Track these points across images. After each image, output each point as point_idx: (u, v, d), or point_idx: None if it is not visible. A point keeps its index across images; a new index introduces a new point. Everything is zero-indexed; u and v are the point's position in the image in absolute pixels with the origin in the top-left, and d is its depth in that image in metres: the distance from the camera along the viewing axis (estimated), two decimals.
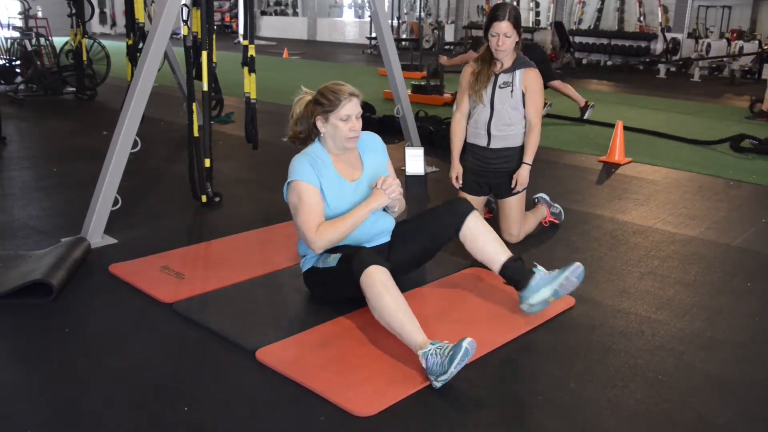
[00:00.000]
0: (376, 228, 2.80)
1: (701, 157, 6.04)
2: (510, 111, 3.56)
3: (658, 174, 5.42)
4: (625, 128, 6.19)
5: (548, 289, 2.67)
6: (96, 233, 3.49)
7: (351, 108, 2.67)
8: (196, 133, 4.10)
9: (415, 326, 2.35)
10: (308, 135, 2.82)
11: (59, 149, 5.83)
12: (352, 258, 2.52)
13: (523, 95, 3.55)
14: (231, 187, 4.58)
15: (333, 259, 2.67)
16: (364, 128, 2.80)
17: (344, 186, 2.74)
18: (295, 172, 2.70)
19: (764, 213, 4.43)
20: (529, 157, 3.61)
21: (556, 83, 7.76)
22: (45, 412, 2.08)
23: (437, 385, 2.20)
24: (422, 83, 8.79)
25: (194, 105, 4.11)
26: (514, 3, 18.97)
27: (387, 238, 2.89)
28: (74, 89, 8.50)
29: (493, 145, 3.62)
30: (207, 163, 4.15)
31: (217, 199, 4.22)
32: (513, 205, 3.64)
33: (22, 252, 3.25)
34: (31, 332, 2.56)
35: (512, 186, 3.61)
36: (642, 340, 2.64)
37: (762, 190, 5.03)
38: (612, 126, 6.17)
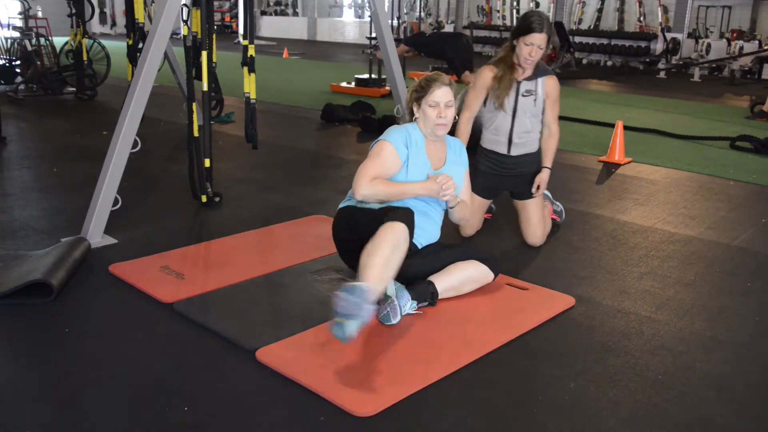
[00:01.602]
0: (422, 223, 2.87)
1: (701, 157, 6.04)
2: (531, 119, 3.54)
3: (658, 174, 5.42)
4: (625, 128, 6.19)
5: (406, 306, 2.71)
6: (96, 233, 3.49)
7: (440, 95, 2.81)
8: (196, 133, 4.10)
9: (375, 275, 2.40)
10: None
11: (59, 149, 5.84)
12: (396, 210, 2.64)
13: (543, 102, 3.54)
14: (231, 187, 4.58)
15: (376, 205, 2.82)
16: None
17: (427, 168, 2.90)
18: (390, 135, 2.88)
19: (764, 213, 4.43)
20: (549, 161, 3.64)
21: (466, 76, 8.26)
22: (45, 412, 2.08)
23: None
24: (364, 77, 9.61)
25: (194, 105, 4.11)
26: (514, 3, 19.00)
27: (420, 241, 2.94)
28: (74, 89, 8.50)
29: (513, 153, 3.59)
30: (207, 163, 4.15)
31: (217, 199, 4.22)
32: (534, 207, 3.62)
33: (22, 252, 3.25)
34: (31, 332, 2.56)
35: (533, 190, 3.61)
36: (642, 340, 2.64)
37: (762, 190, 5.03)
38: (612, 126, 6.17)
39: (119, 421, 2.04)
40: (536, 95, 3.51)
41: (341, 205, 2.99)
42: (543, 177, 3.62)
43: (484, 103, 3.60)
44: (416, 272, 2.85)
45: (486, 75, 3.56)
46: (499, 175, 3.66)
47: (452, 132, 3.41)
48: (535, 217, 3.64)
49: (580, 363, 2.45)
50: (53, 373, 2.29)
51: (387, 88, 9.24)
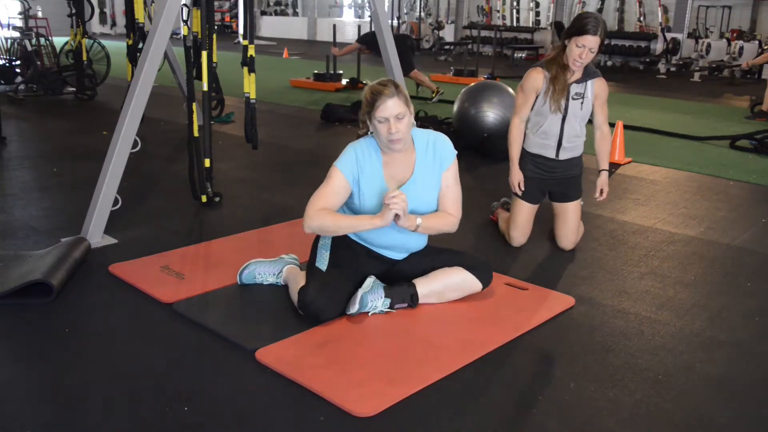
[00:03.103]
0: (396, 240, 2.77)
1: (701, 157, 6.05)
2: (580, 122, 3.48)
3: (658, 174, 5.42)
4: (625, 128, 6.19)
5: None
6: (96, 233, 3.49)
7: (386, 110, 2.56)
8: (196, 133, 4.10)
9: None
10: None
11: (59, 149, 5.84)
12: (308, 288, 2.65)
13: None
14: (231, 187, 4.58)
15: (324, 264, 2.76)
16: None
17: (385, 191, 2.67)
18: (340, 158, 2.71)
19: (764, 213, 4.44)
20: (606, 163, 3.61)
21: (415, 73, 8.86)
22: (45, 412, 2.08)
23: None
24: (322, 72, 10.41)
25: (194, 105, 4.11)
26: (514, 3, 19.00)
27: (401, 255, 2.85)
28: (74, 89, 8.50)
29: (561, 157, 3.52)
30: (207, 163, 4.15)
31: (217, 199, 4.22)
32: (573, 211, 3.58)
33: (22, 252, 3.25)
34: (31, 332, 2.56)
35: (597, 195, 3.59)
36: (642, 340, 2.64)
37: (762, 190, 5.03)
38: (612, 126, 6.17)
39: (119, 421, 2.04)
40: (585, 98, 3.44)
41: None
42: (604, 180, 3.59)
43: (531, 107, 3.49)
44: (403, 277, 2.83)
45: (535, 77, 3.43)
46: (544, 179, 3.57)
47: (445, 132, 3.16)
48: (574, 220, 3.59)
49: (580, 363, 2.45)
50: (53, 373, 2.29)
51: (342, 82, 10.12)
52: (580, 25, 3.25)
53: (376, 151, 2.71)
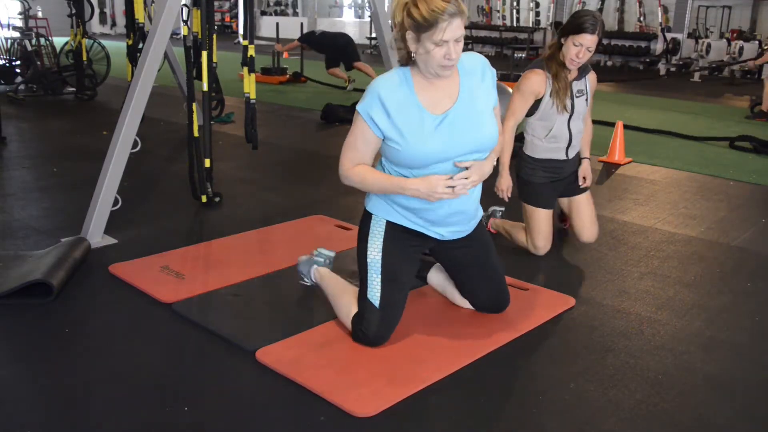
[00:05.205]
0: (461, 205, 2.45)
1: (701, 157, 6.05)
2: (583, 118, 3.46)
3: (658, 174, 5.42)
4: (625, 128, 6.19)
5: None
6: (96, 233, 3.49)
7: (450, 32, 2.15)
8: (196, 133, 4.10)
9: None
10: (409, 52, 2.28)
11: (59, 149, 5.83)
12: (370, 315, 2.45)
13: None
14: (231, 187, 4.58)
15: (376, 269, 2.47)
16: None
17: (425, 119, 2.30)
18: (364, 98, 2.32)
19: (764, 213, 4.44)
20: (588, 151, 3.63)
21: (359, 64, 9.59)
22: (44, 412, 2.08)
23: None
24: (269, 67, 10.90)
25: (194, 105, 4.11)
26: (514, 3, 19.00)
27: (455, 235, 2.54)
28: (74, 89, 8.50)
29: (570, 156, 3.48)
30: (207, 163, 4.15)
31: (217, 199, 4.22)
32: (586, 202, 3.55)
33: (22, 252, 3.25)
34: (31, 332, 2.56)
35: (581, 183, 3.54)
36: (642, 340, 2.64)
37: (762, 190, 5.03)
38: (612, 126, 6.17)
39: (119, 421, 2.04)
40: (586, 94, 3.42)
41: (370, 209, 2.52)
42: (587, 168, 3.57)
43: (533, 112, 3.38)
44: (440, 259, 2.74)
45: (536, 80, 3.29)
46: (556, 181, 3.51)
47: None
48: (588, 210, 3.55)
49: (580, 363, 2.45)
50: (53, 373, 2.29)
51: (287, 75, 10.72)
52: (578, 24, 3.15)
53: (405, 79, 2.33)
